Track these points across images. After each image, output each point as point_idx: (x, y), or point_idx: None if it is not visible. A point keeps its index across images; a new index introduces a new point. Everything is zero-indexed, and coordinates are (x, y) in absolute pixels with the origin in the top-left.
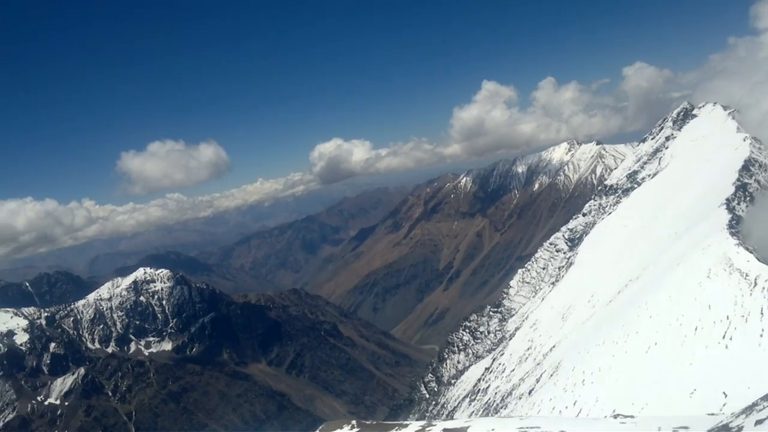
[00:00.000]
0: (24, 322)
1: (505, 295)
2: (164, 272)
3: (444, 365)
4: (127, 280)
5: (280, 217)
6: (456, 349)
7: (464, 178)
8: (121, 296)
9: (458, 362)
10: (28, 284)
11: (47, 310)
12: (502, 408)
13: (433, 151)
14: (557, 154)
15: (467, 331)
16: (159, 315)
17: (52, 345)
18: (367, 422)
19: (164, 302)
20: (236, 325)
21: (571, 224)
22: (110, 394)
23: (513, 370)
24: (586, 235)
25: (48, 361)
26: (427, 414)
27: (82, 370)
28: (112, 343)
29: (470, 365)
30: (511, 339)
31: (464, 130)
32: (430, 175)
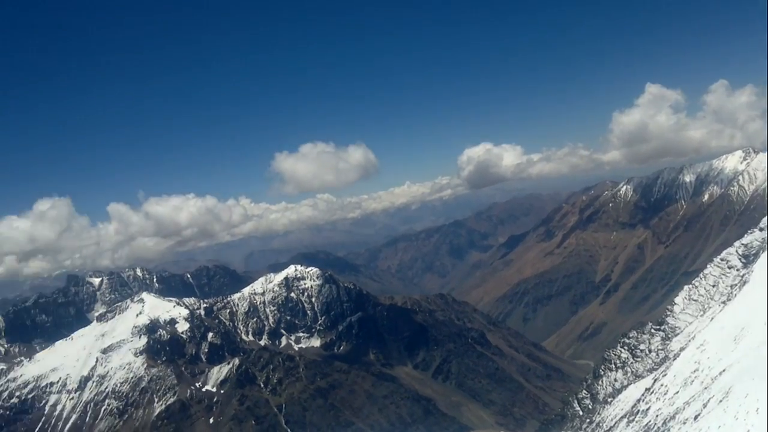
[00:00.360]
0: (185, 312)
1: (669, 313)
2: (314, 270)
3: (600, 382)
4: (279, 277)
5: (427, 220)
6: (613, 366)
7: (624, 187)
8: (273, 291)
9: (615, 380)
10: (189, 276)
11: (206, 301)
12: None
13: (590, 157)
14: (730, 162)
15: (626, 348)
16: (308, 312)
17: (210, 335)
18: None
19: (313, 299)
20: (382, 326)
21: (746, 239)
22: (262, 385)
23: (677, 392)
24: (763, 251)
25: (206, 350)
26: None
27: (236, 361)
28: (265, 337)
29: (629, 384)
30: (675, 359)
31: (625, 136)
32: (586, 182)
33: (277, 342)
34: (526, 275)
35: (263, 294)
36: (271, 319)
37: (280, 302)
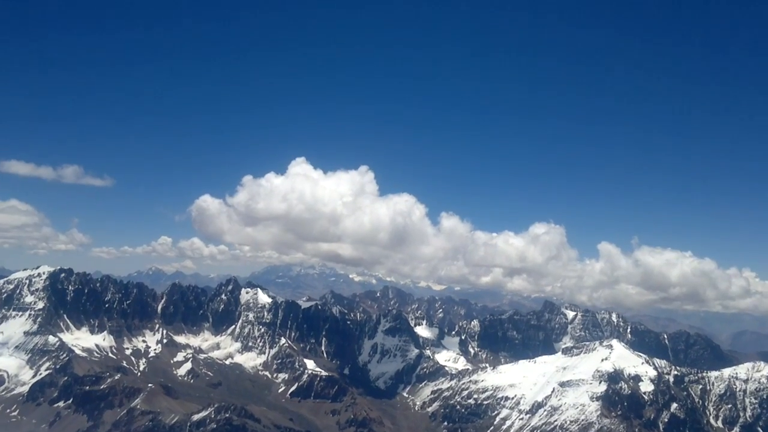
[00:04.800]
0: (653, 372)
1: None
2: None
3: None
4: None
5: None
6: None
7: None
8: (758, 382)
9: None
10: (665, 336)
11: (678, 369)
12: None
13: None
14: None
15: None
16: None
17: (674, 405)
18: None
19: None
20: None
21: None
22: None
23: None
24: None
25: (666, 419)
26: None
27: None
28: (737, 428)
29: None
30: None
31: None
32: None
33: None
34: None
35: (746, 381)
36: (748, 412)
37: (764, 396)
